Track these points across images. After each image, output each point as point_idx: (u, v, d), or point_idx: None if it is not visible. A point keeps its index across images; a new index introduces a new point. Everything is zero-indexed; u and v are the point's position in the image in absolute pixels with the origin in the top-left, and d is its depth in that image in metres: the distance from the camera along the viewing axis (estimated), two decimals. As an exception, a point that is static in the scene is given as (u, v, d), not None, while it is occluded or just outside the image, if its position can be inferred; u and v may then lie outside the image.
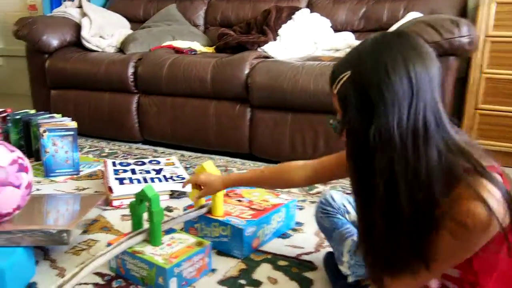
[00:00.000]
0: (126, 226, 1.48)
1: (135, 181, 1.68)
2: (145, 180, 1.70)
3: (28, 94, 2.89)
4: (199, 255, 1.19)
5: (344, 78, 0.79)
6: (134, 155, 2.28)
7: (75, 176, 1.97)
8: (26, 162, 1.17)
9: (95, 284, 1.16)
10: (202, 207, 1.36)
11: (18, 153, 1.16)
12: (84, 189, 1.83)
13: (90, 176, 1.98)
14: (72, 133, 1.94)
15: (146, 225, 1.22)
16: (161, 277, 1.10)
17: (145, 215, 1.20)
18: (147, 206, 1.18)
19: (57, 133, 1.91)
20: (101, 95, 2.51)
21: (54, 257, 1.29)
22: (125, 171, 1.78)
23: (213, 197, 1.33)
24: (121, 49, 2.62)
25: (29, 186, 1.16)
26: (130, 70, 2.38)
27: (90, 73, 2.49)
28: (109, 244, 1.19)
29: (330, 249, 1.22)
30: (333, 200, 1.20)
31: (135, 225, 1.23)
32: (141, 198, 1.19)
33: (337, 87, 0.80)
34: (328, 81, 0.85)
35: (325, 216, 1.20)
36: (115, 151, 2.38)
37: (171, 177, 1.74)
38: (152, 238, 1.19)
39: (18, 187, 1.12)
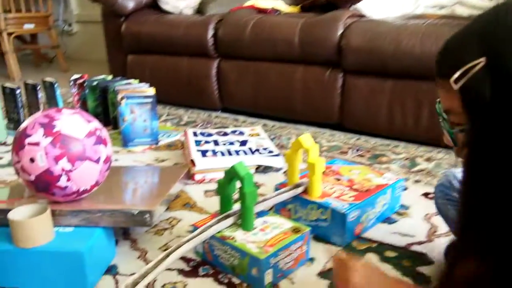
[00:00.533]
0: (210, 203, 1.35)
1: (218, 154, 1.54)
2: (229, 153, 1.55)
3: (104, 60, 2.83)
4: (297, 243, 1.02)
5: (476, 68, 0.53)
6: (214, 124, 2.15)
7: (153, 146, 1.87)
8: (104, 133, 1.04)
9: (180, 270, 1.04)
10: (297, 186, 1.19)
11: (95, 123, 1.03)
12: (163, 160, 1.72)
13: (169, 146, 1.86)
14: (150, 100, 1.82)
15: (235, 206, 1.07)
16: (255, 268, 0.95)
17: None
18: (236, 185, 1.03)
19: (135, 100, 1.80)
20: (179, 60, 2.38)
21: (134, 236, 1.18)
22: (207, 142, 1.64)
23: (310, 175, 1.15)
24: (200, 10, 2.47)
25: (107, 160, 1.04)
26: (210, 33, 2.23)
27: (167, 37, 2.36)
28: (195, 227, 1.05)
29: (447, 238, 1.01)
30: (459, 182, 0.98)
31: (224, 206, 1.08)
32: (231, 176, 1.03)
33: (461, 80, 0.55)
34: (436, 68, 0.61)
35: (449, 204, 0.99)
36: (193, 119, 2.26)
37: (257, 150, 1.59)
38: (243, 222, 1.04)
39: (96, 161, 1.00)
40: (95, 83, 2.10)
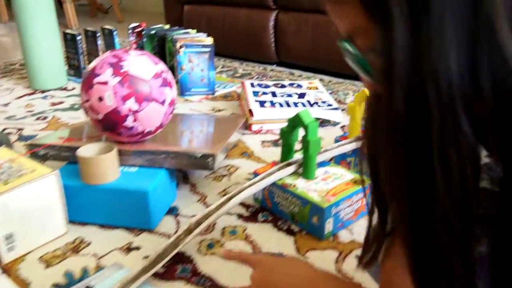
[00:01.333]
0: (267, 153, 1.35)
1: (276, 105, 1.53)
2: (288, 104, 1.54)
3: (158, 12, 2.83)
4: (358, 195, 1.01)
5: None
6: (269, 77, 2.13)
7: (209, 96, 1.87)
8: (170, 76, 1.05)
9: (239, 215, 1.05)
10: (359, 138, 1.17)
11: (161, 65, 1.04)
12: (220, 110, 1.72)
13: (225, 97, 1.87)
14: (208, 49, 1.82)
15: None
16: (316, 216, 0.95)
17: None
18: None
19: (193, 49, 1.80)
20: (236, 11, 2.35)
21: (193, 181, 1.20)
22: (264, 93, 1.63)
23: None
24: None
25: (172, 103, 1.05)
26: (269, -17, 2.18)
27: (226, -14, 2.33)
28: (255, 174, 1.06)
29: None
30: None
31: (285, 155, 1.08)
32: (295, 124, 1.02)
33: None
34: None
35: None
36: (248, 72, 2.24)
37: (316, 103, 1.56)
38: (305, 171, 1.03)
39: (162, 103, 1.01)
40: (153, 31, 2.11)
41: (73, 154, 1.00)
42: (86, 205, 0.98)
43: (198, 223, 0.91)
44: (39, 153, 1.06)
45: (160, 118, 1.02)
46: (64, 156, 1.05)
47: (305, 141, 1.00)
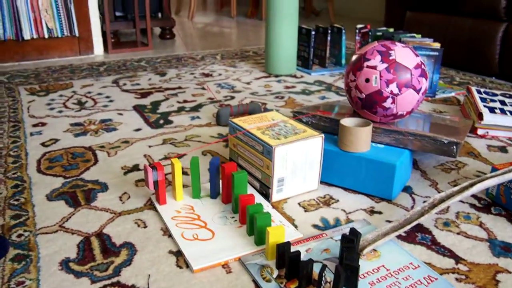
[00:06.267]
0: (495, 157, 1.36)
1: (508, 113, 1.52)
2: (519, 113, 1.52)
3: (368, 17, 2.93)
4: None
5: None
6: (489, 89, 2.09)
7: (430, 98, 1.92)
8: (426, 68, 1.14)
9: (472, 205, 1.10)
10: None
11: (420, 58, 1.14)
12: (441, 112, 1.76)
13: (445, 101, 1.90)
14: (437, 53, 1.86)
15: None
16: (558, 217, 0.96)
17: None
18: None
19: (423, 51, 1.86)
20: (461, 20, 2.34)
21: (423, 168, 1.28)
22: (493, 100, 1.63)
23: None
24: (495, -29, 2.36)
25: (424, 92, 1.14)
26: (506, -5, 2.13)
27: (455, -4, 2.33)
28: (494, 169, 1.10)
29: None
30: None
31: (529, 155, 1.10)
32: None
33: None
34: None
35: None
36: (466, 81, 2.23)
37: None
38: (550, 173, 1.04)
39: (417, 91, 1.11)
40: (379, 33, 2.23)
41: (330, 124, 1.16)
42: (338, 169, 1.13)
43: (442, 200, 0.99)
44: (303, 119, 1.24)
45: (413, 104, 1.13)
46: (322, 125, 1.22)
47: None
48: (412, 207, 1.08)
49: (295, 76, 2.25)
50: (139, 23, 2.92)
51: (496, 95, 1.71)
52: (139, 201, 1.08)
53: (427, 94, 1.92)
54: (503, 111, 1.54)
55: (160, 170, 1.01)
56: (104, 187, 1.15)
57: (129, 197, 1.11)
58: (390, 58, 1.09)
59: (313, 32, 2.29)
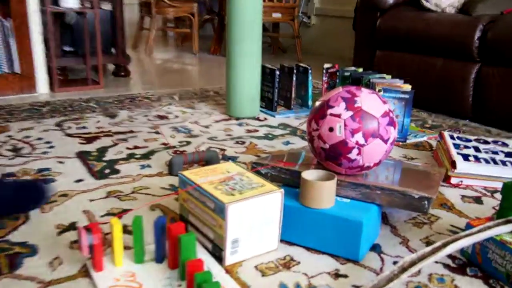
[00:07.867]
0: (469, 209, 1.35)
1: (482, 161, 1.53)
2: (494, 161, 1.53)
3: (334, 55, 2.98)
4: None
5: None
6: (462, 133, 2.12)
7: (400, 143, 1.93)
8: (394, 116, 1.14)
9: (446, 265, 1.08)
10: None
11: (388, 105, 1.13)
12: (412, 158, 1.77)
13: (416, 146, 1.91)
14: (407, 96, 1.88)
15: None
16: (538, 280, 0.94)
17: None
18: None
19: (392, 94, 1.88)
20: (432, 60, 2.40)
21: (393, 223, 1.26)
22: (466, 147, 1.64)
23: None
24: (465, 10, 2.44)
25: (393, 142, 1.13)
26: (477, 35, 2.19)
27: (425, 35, 2.39)
28: (469, 226, 1.08)
29: None
30: None
31: (506, 211, 1.08)
32: (522, 180, 1.03)
33: None
34: None
35: None
36: (439, 123, 2.26)
37: (525, 165, 1.53)
38: (528, 231, 1.03)
39: (385, 141, 1.10)
40: (347, 73, 2.25)
41: (291, 176, 1.13)
42: (300, 226, 1.09)
43: (413, 263, 0.96)
44: (261, 171, 1.21)
45: (380, 154, 1.11)
46: (282, 178, 1.19)
47: (534, 200, 1.01)
48: (381, 269, 1.05)
49: (258, 119, 2.23)
50: (90, 59, 2.88)
51: (470, 140, 1.72)
52: (73, 268, 1.01)
53: (398, 139, 1.92)
54: (477, 159, 1.54)
55: (96, 233, 0.94)
56: (32, 251, 1.08)
57: (61, 262, 1.03)
58: (356, 105, 1.08)
59: (277, 72, 2.29)
